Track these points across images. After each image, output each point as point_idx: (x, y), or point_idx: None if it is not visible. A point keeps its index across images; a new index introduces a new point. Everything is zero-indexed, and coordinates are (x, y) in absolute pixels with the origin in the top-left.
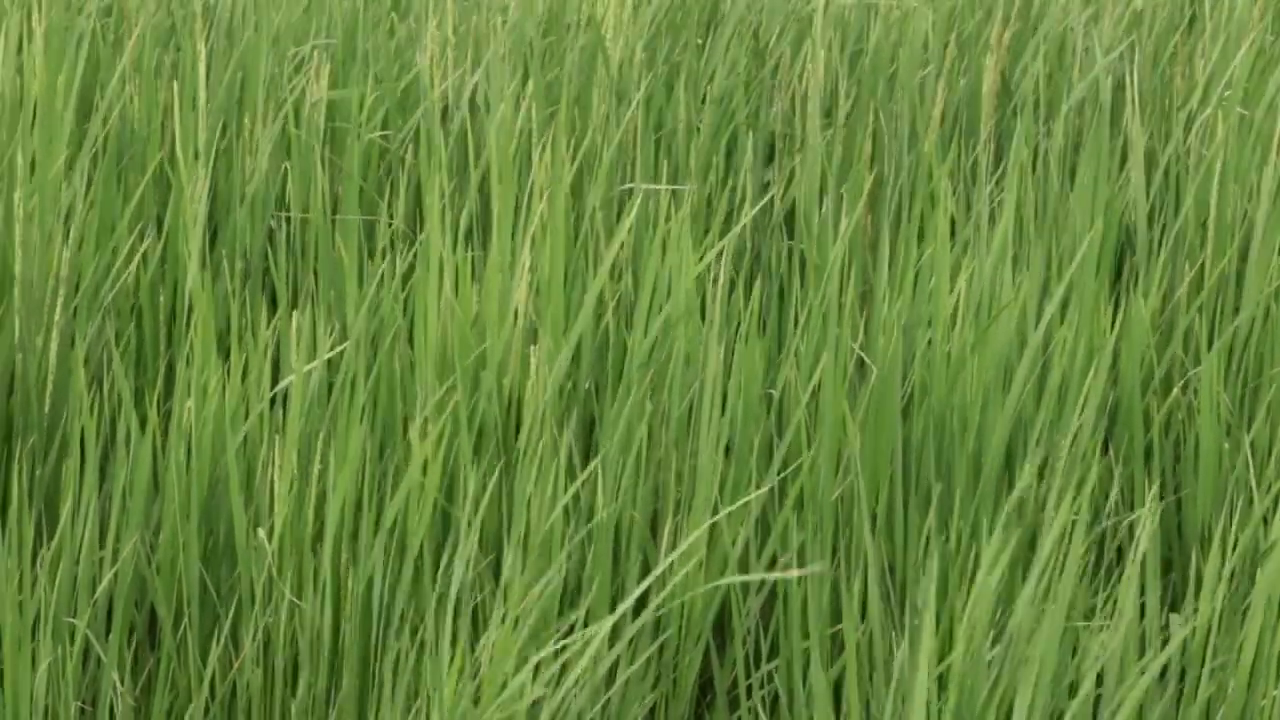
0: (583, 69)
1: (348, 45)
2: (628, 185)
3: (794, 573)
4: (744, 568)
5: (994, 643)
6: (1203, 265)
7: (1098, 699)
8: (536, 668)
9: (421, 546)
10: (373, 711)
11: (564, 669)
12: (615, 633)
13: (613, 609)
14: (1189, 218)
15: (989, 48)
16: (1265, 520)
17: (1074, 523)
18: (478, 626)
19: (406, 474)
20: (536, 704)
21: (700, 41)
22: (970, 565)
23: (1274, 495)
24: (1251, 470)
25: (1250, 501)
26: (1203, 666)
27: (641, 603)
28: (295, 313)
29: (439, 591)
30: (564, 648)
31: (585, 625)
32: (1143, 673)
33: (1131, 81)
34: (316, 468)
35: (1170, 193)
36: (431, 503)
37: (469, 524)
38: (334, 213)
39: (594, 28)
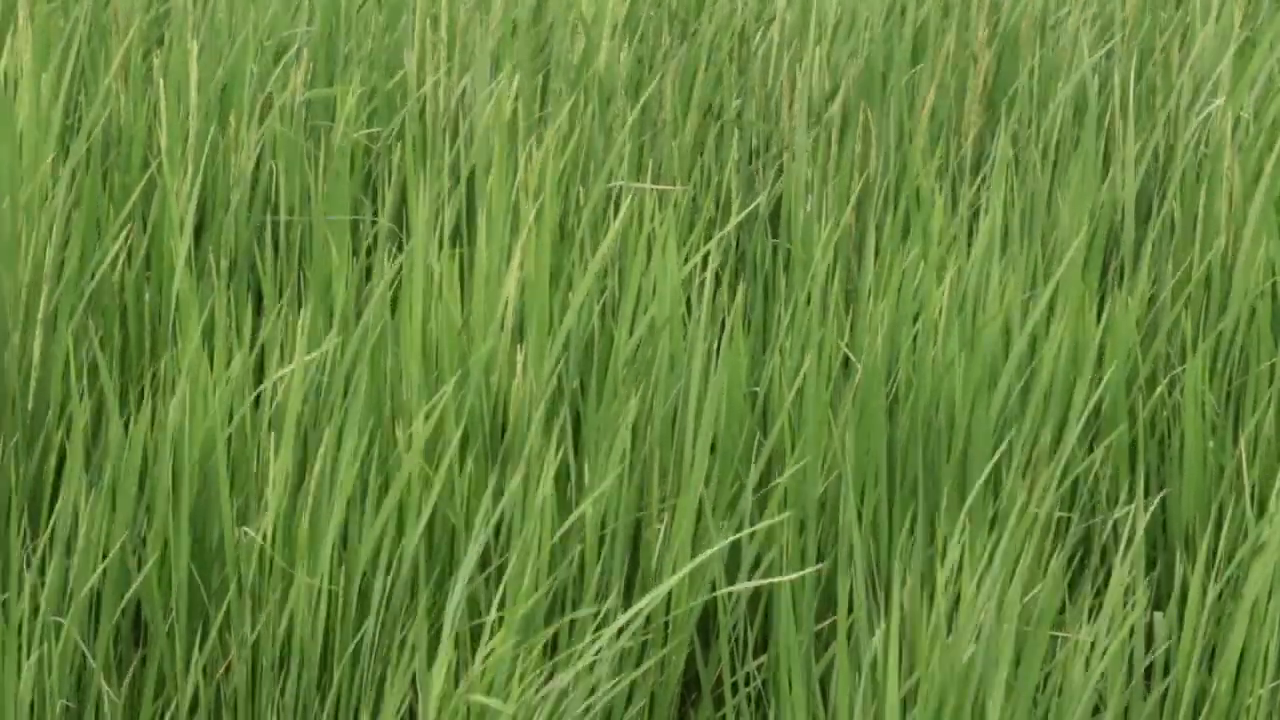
0: (569, 67)
1: (332, 42)
2: (615, 184)
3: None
4: (729, 567)
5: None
6: (1189, 263)
7: (1083, 699)
8: (527, 673)
9: (415, 550)
10: (363, 713)
11: (554, 672)
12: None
13: (600, 611)
14: (1175, 216)
15: (972, 52)
16: (1252, 518)
17: (1055, 519)
18: (467, 628)
19: (399, 474)
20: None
21: (686, 39)
22: (957, 564)
23: (1260, 493)
24: (1243, 469)
25: (1236, 500)
26: (1189, 666)
27: (627, 603)
28: (285, 312)
29: (429, 596)
30: (554, 652)
31: (572, 627)
32: (1129, 671)
33: (1121, 80)
34: (317, 466)
35: (1157, 191)
36: (427, 505)
37: (474, 539)
38: (321, 211)
39: (581, 24)
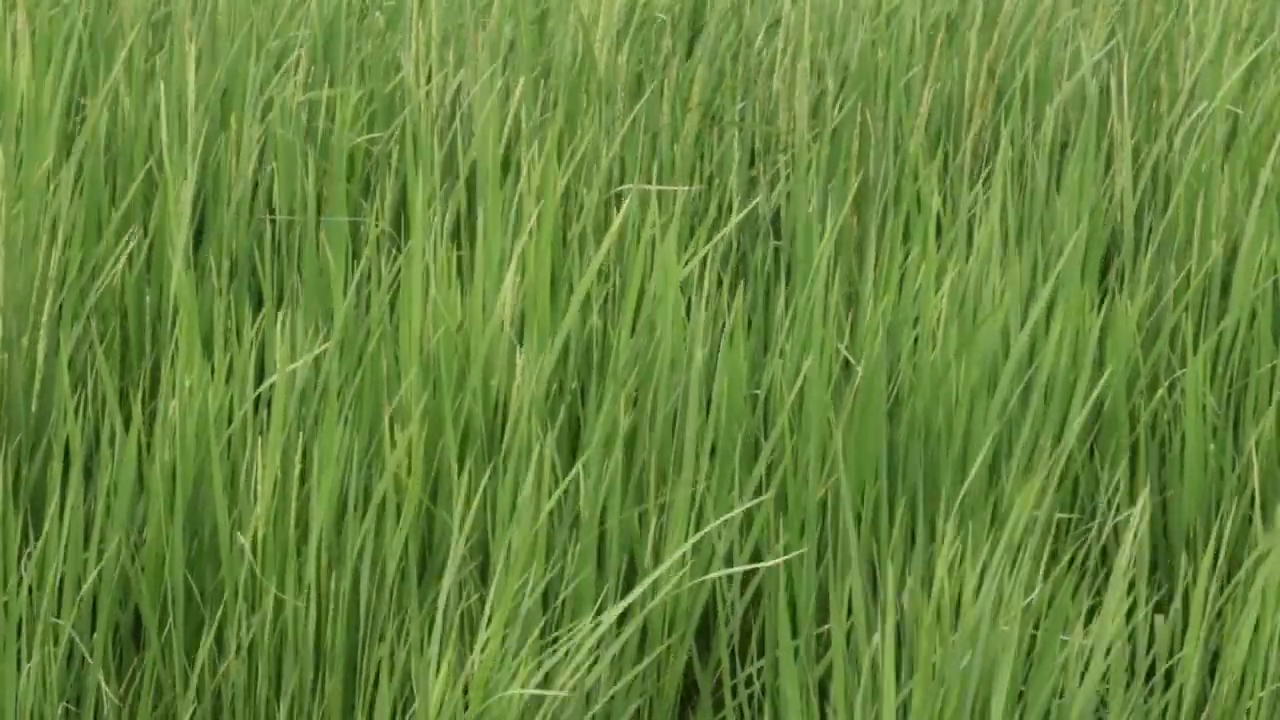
0: (569, 69)
1: (331, 45)
2: (620, 189)
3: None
4: (728, 568)
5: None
6: (1190, 265)
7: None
8: (523, 672)
9: (405, 548)
10: (359, 712)
11: (550, 675)
12: (601, 637)
13: (597, 611)
14: (1176, 218)
15: (973, 50)
16: (1250, 520)
17: (1053, 520)
18: (464, 629)
19: (388, 474)
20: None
21: (685, 41)
22: (957, 565)
23: (1261, 495)
24: (1246, 471)
25: (1236, 502)
26: (1191, 668)
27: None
28: (280, 313)
29: (424, 595)
30: (552, 654)
31: (571, 628)
32: (1130, 674)
33: (1118, 81)
34: (298, 468)
35: (1158, 194)
36: (416, 503)
37: (459, 530)
38: (320, 213)
39: (581, 27)
